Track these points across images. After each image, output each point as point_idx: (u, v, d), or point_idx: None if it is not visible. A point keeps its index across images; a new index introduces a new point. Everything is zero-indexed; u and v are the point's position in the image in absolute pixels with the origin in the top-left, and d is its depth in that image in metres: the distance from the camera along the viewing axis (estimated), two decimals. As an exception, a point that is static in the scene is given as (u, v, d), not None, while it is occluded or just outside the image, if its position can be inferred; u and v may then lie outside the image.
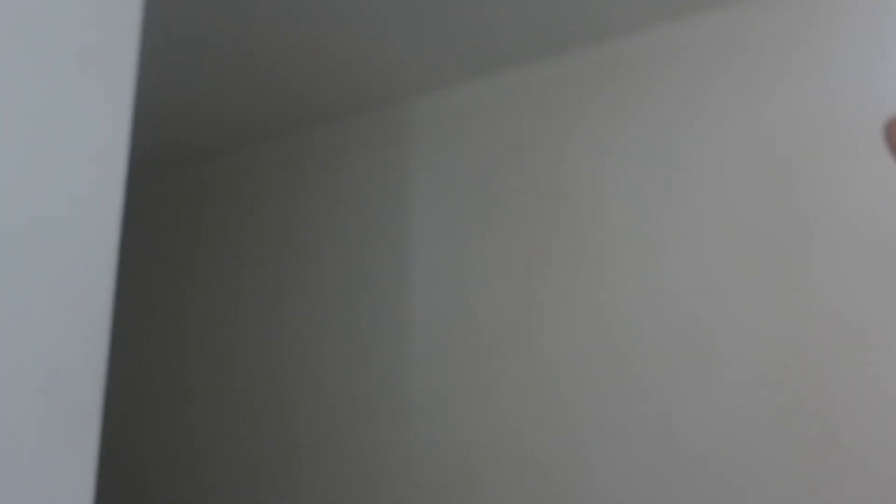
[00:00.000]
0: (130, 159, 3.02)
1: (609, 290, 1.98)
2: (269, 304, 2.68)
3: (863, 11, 1.78)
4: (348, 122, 2.65)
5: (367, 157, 2.57)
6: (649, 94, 2.03)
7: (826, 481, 1.62)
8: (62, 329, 0.85)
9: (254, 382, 2.63)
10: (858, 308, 1.66)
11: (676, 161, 1.96)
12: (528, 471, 2.00)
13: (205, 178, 3.03)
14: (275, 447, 2.51)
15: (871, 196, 1.69)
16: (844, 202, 1.71)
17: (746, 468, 1.71)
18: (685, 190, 1.93)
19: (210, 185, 3.00)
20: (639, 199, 1.99)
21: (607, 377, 1.93)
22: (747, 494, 1.70)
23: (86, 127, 0.94)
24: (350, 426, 2.36)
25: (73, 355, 0.86)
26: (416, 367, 2.27)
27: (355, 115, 2.62)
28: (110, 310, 0.91)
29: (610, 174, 2.05)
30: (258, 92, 2.46)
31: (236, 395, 2.66)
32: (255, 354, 2.66)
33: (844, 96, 1.76)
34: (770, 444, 1.69)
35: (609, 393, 1.92)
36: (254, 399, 2.61)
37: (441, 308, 2.27)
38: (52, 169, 0.89)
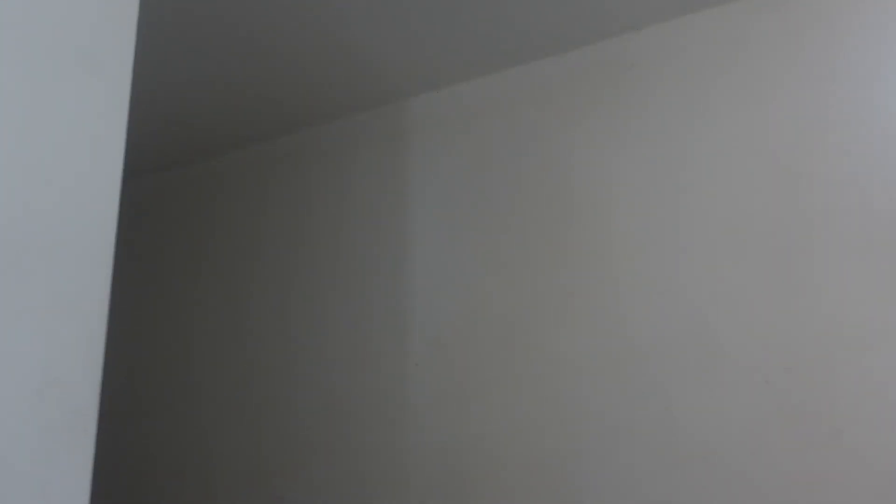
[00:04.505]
0: (128, 159, 3.01)
1: (611, 290, 1.97)
2: (268, 303, 2.67)
3: (865, 10, 1.77)
4: (349, 121, 2.64)
5: (367, 156, 2.56)
6: (650, 94, 2.02)
7: (829, 481, 1.61)
8: (57, 329, 0.84)
9: (253, 383, 2.62)
10: (861, 307, 1.65)
11: (678, 160, 1.95)
12: (530, 470, 1.99)
13: (204, 177, 3.02)
14: (275, 448, 2.50)
15: (872, 196, 1.68)
16: (846, 202, 1.70)
17: (749, 468, 1.70)
18: (687, 188, 1.92)
19: (209, 184, 2.99)
20: (640, 199, 1.98)
21: (610, 377, 1.92)
22: (750, 494, 1.69)
23: (82, 126, 0.93)
24: (350, 426, 2.35)
25: (68, 356, 0.85)
26: (415, 368, 2.26)
27: (356, 113, 2.61)
28: (106, 310, 0.90)
29: (611, 173, 2.04)
30: (258, 90, 2.45)
31: (235, 397, 2.65)
32: (254, 355, 2.65)
33: (846, 96, 1.75)
34: (773, 445, 1.68)
35: (611, 392, 1.91)
36: (253, 400, 2.60)
37: (442, 307, 2.25)
38: (46, 169, 0.88)
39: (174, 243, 3.04)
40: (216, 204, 2.94)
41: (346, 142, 2.63)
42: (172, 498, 2.72)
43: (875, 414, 1.59)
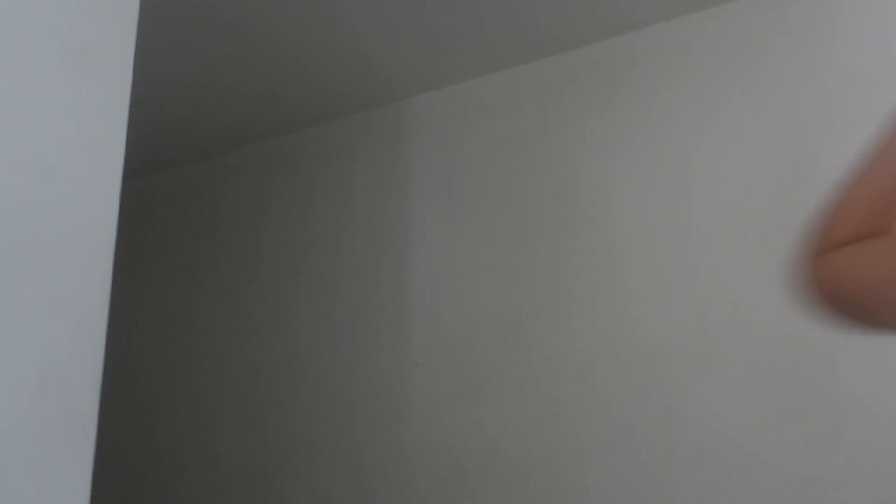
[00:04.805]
0: (129, 159, 3.01)
1: (611, 290, 1.97)
2: (268, 303, 2.67)
3: (865, 10, 1.77)
4: (350, 121, 2.63)
5: (368, 156, 2.56)
6: (651, 93, 2.02)
7: (830, 482, 1.61)
8: (56, 328, 0.84)
9: (253, 383, 2.62)
10: (862, 308, 1.64)
11: (680, 159, 1.95)
12: (530, 470, 1.99)
13: (204, 177, 3.02)
14: (275, 448, 2.50)
15: (875, 195, 1.67)
16: (848, 201, 1.70)
17: (750, 468, 1.70)
18: (689, 188, 1.92)
19: (210, 184, 2.99)
20: (641, 198, 1.98)
21: (609, 378, 1.92)
22: (750, 495, 1.69)
23: (82, 125, 0.93)
24: (351, 426, 2.35)
25: (67, 355, 0.85)
26: (416, 368, 2.25)
27: (357, 113, 2.61)
28: (106, 310, 0.90)
29: (612, 173, 2.04)
30: (259, 91, 2.45)
31: (236, 397, 2.65)
32: (255, 354, 2.65)
33: (848, 95, 1.75)
34: (774, 445, 1.68)
35: (611, 394, 1.91)
36: (253, 399, 2.60)
37: (441, 308, 2.25)
38: (47, 168, 0.88)
39: (175, 243, 3.03)
40: (217, 204, 2.94)
41: (347, 142, 2.63)
42: (172, 498, 2.72)
43: (875, 414, 1.59)
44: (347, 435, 2.35)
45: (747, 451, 1.71)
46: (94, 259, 0.90)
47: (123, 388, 2.97)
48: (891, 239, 0.57)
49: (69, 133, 0.91)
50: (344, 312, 2.47)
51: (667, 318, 1.87)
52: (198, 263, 2.93)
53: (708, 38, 1.96)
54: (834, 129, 1.75)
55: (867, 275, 0.56)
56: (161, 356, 2.92)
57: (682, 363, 1.83)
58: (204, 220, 2.96)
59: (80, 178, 0.91)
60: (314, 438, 2.42)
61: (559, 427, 1.97)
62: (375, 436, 2.29)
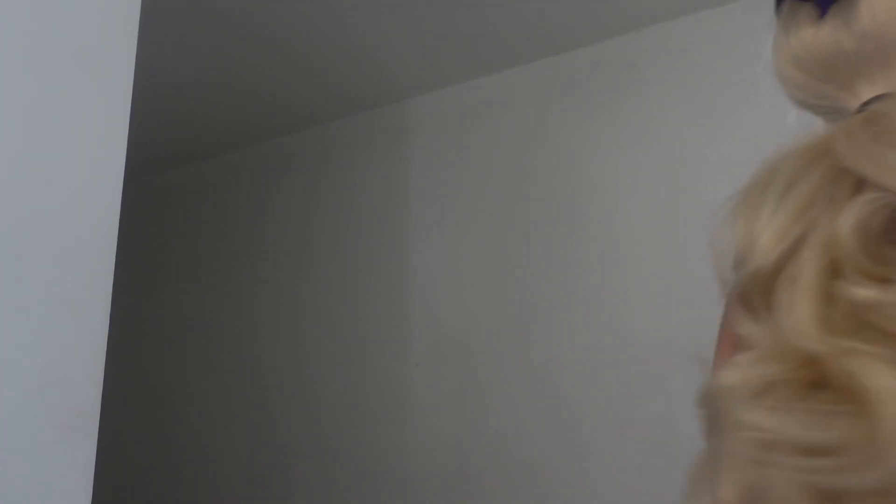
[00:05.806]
0: (131, 159, 3.01)
1: (613, 290, 1.97)
2: (270, 302, 2.67)
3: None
4: (351, 121, 2.64)
5: (369, 156, 2.56)
6: (652, 94, 2.02)
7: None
8: (58, 329, 0.84)
9: (254, 383, 2.62)
10: (863, 308, 1.64)
11: (680, 160, 1.95)
12: (530, 472, 1.99)
13: (205, 177, 3.02)
14: (276, 447, 2.51)
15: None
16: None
17: (750, 469, 1.70)
18: (690, 188, 1.92)
19: (210, 184, 3.00)
20: (642, 198, 1.98)
21: (609, 378, 1.92)
22: (751, 496, 1.69)
23: (84, 125, 0.93)
24: (348, 428, 2.36)
25: (69, 355, 0.85)
26: (416, 367, 2.26)
27: (358, 113, 2.61)
28: (108, 310, 0.90)
29: (613, 173, 2.04)
30: (260, 90, 2.46)
31: (237, 396, 2.65)
32: (255, 354, 2.65)
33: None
34: (774, 445, 1.68)
35: (612, 393, 1.91)
36: (254, 399, 2.60)
37: (441, 308, 2.25)
38: (49, 168, 0.88)
39: (177, 243, 3.04)
40: (218, 204, 2.94)
41: (349, 141, 2.63)
42: (175, 497, 2.72)
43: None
44: (349, 434, 2.35)
45: (748, 450, 1.71)
46: (95, 259, 0.90)
47: (125, 388, 2.97)
48: None
49: (71, 132, 0.91)
50: (345, 311, 2.47)
51: (669, 317, 1.87)
52: (199, 263, 2.93)
53: (708, 38, 1.96)
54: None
55: None
56: (162, 356, 2.92)
57: (682, 363, 1.83)
58: (206, 220, 2.96)
59: (81, 177, 0.91)
60: (316, 437, 2.42)
61: (560, 426, 1.97)
62: (377, 435, 2.29)
